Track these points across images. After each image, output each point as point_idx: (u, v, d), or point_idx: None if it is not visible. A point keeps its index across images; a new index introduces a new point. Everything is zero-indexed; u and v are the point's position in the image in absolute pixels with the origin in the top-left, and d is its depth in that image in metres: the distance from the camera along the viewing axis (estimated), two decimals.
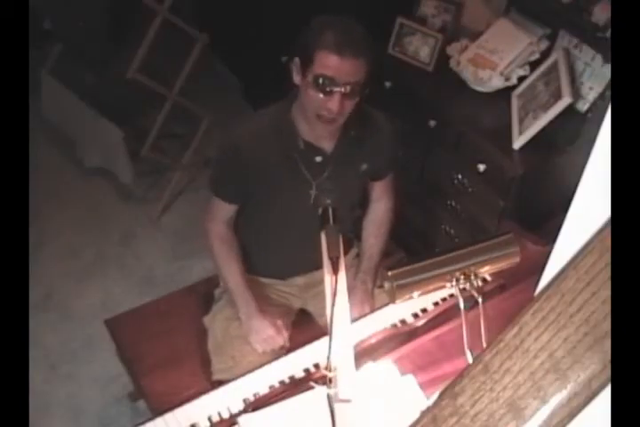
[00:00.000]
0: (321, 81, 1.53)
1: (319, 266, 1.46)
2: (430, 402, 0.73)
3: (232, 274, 1.83)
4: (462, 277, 1.29)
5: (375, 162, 1.84)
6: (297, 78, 1.61)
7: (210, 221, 1.85)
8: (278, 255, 1.93)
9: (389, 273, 1.29)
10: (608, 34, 1.96)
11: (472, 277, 1.30)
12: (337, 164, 1.75)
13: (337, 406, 1.39)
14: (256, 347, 1.78)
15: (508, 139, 2.15)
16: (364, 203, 1.99)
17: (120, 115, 3.03)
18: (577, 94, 2.16)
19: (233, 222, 1.87)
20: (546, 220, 1.86)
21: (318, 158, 1.73)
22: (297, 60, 1.60)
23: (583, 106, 2.20)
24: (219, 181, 1.83)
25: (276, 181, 1.75)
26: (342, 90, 1.53)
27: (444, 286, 1.32)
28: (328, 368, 1.37)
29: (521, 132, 2.12)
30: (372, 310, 1.77)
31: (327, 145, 1.73)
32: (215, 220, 1.85)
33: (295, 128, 1.69)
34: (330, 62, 1.51)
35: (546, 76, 2.20)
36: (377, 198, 1.97)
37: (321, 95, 1.55)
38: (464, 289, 1.30)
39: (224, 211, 1.83)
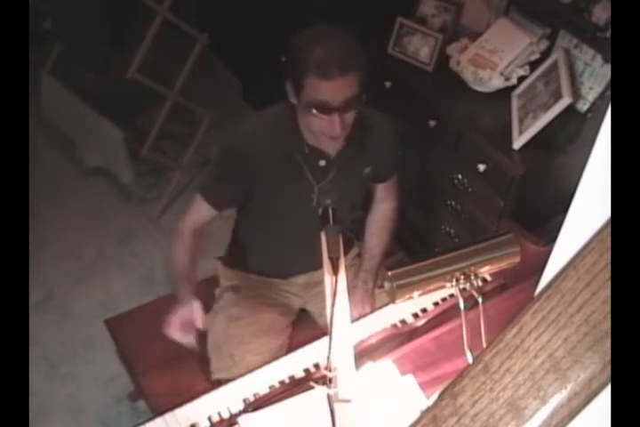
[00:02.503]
0: (316, 105, 1.51)
1: (320, 266, 1.46)
2: (430, 402, 0.73)
3: (179, 262, 1.79)
4: (462, 277, 1.29)
5: (378, 165, 1.83)
6: (293, 100, 1.59)
7: (181, 221, 1.82)
8: (279, 254, 1.93)
9: (389, 273, 1.29)
10: (608, 34, 1.96)
11: (472, 277, 1.30)
12: (340, 167, 1.74)
13: (337, 406, 1.39)
14: (169, 332, 1.66)
15: (508, 139, 2.15)
16: (366, 203, 1.99)
17: (120, 115, 3.03)
18: (577, 94, 2.16)
19: (201, 232, 1.82)
20: (546, 220, 1.86)
21: (322, 162, 1.72)
22: (288, 83, 1.57)
23: (583, 106, 2.20)
24: (212, 181, 1.81)
25: (277, 181, 1.74)
26: (339, 106, 1.51)
27: (444, 286, 1.32)
28: (328, 368, 1.37)
29: (521, 133, 2.12)
30: (372, 310, 1.77)
31: (331, 149, 1.72)
32: (186, 222, 1.81)
33: (300, 134, 1.67)
34: (320, 88, 1.48)
35: (546, 76, 2.20)
36: (381, 199, 1.97)
37: (319, 117, 1.53)
38: (464, 289, 1.30)
39: (200, 214, 1.79)
